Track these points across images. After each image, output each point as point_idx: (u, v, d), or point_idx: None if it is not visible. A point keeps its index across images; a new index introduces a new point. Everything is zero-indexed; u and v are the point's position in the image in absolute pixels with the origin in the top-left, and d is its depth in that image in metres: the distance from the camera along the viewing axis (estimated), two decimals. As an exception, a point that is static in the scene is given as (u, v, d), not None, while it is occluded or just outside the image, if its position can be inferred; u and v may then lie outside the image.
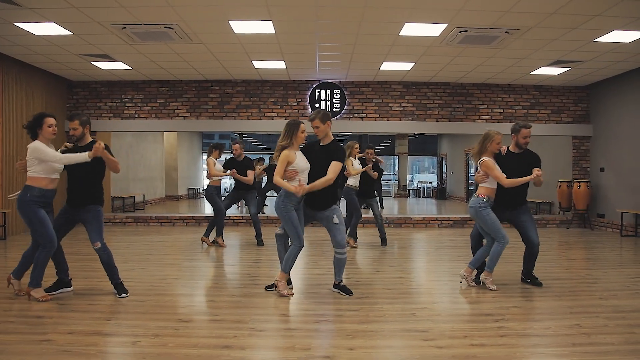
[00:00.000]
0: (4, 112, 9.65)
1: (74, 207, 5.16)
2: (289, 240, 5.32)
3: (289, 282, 5.46)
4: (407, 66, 10.66)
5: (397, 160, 25.14)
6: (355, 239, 8.64)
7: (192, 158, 23.96)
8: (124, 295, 5.16)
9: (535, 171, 5.34)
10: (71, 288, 5.35)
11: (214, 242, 8.64)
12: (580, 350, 3.74)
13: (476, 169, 5.80)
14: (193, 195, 22.54)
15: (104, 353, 3.70)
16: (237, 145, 8.50)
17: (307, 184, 5.09)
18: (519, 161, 5.63)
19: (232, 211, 13.55)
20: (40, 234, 4.87)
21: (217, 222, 8.54)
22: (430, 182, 25.86)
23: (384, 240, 8.77)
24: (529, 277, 5.84)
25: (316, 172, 5.15)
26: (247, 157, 8.64)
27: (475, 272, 5.79)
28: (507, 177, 5.41)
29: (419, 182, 26.42)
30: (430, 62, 10.32)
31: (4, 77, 9.67)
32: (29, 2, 6.90)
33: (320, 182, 5.02)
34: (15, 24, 7.77)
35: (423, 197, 24.33)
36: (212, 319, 4.60)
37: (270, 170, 12.63)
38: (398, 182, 24.42)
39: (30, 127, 4.95)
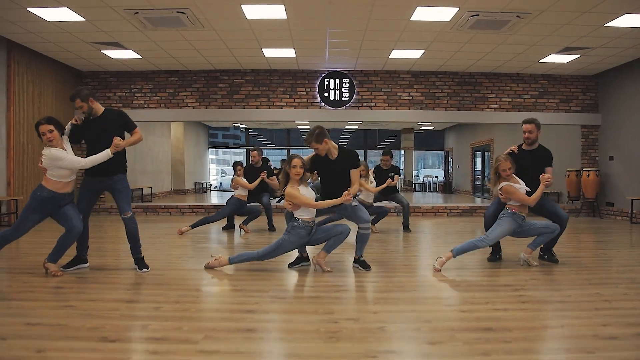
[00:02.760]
0: (16, 101, 9.66)
1: (100, 176, 5.09)
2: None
3: (306, 259, 5.48)
4: (416, 54, 10.64)
5: (402, 155, 25.09)
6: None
7: (199, 153, 23.97)
8: (144, 270, 5.14)
9: (544, 178, 5.22)
10: (87, 264, 5.34)
11: (240, 228, 8.69)
12: (603, 314, 3.72)
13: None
14: (200, 189, 22.54)
15: (127, 316, 3.69)
16: (256, 152, 8.71)
17: (325, 198, 5.15)
18: (530, 158, 5.59)
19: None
20: (19, 226, 4.86)
21: (254, 213, 8.65)
22: (436, 177, 25.81)
23: (406, 227, 8.79)
24: (547, 253, 5.80)
25: (334, 183, 5.18)
26: (264, 160, 8.70)
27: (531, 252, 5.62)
28: (519, 175, 5.36)
29: (424, 176, 26.37)
30: (440, 50, 10.30)
31: (16, 66, 9.69)
32: None
33: (353, 190, 5.04)
34: (28, 9, 7.77)
35: (429, 192, 24.29)
36: (233, 288, 4.60)
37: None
38: (404, 177, 24.36)
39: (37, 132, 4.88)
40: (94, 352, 2.92)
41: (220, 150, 30.46)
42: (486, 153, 19.62)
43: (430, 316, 3.66)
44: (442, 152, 26.50)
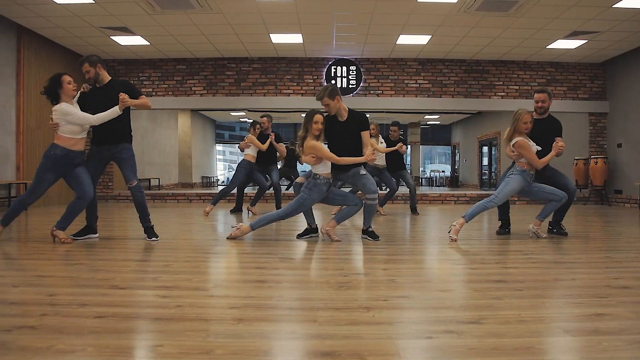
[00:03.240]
0: (25, 86, 9.72)
1: (106, 144, 5.10)
2: None
3: (314, 230, 5.46)
4: (423, 40, 10.62)
5: (409, 149, 25.01)
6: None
7: (206, 147, 24.01)
8: (154, 239, 5.12)
9: (557, 145, 5.20)
10: (97, 235, 5.33)
11: (248, 210, 8.65)
12: (615, 270, 3.70)
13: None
14: (207, 183, 22.58)
15: (137, 270, 3.70)
16: (265, 119, 8.59)
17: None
18: (540, 127, 5.50)
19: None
20: (35, 189, 4.85)
21: (259, 192, 8.69)
22: (443, 171, 25.74)
23: (414, 209, 8.71)
24: (556, 226, 5.75)
25: (343, 145, 5.10)
26: (273, 130, 8.69)
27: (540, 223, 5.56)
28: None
29: (431, 171, 26.31)
30: (447, 35, 10.27)
31: (25, 52, 9.75)
32: None
33: (368, 152, 4.99)
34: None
35: (436, 186, 24.22)
36: (242, 252, 4.58)
37: (287, 156, 12.60)
38: (410, 172, 24.31)
39: (50, 90, 4.87)
40: (104, 296, 2.92)
41: (227, 151, 30.53)
42: (493, 147, 19.54)
43: (441, 272, 3.64)
44: (449, 147, 26.43)
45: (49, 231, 5.02)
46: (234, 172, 8.64)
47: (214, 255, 4.43)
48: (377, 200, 5.27)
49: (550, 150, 5.22)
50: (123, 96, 4.90)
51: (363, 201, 5.13)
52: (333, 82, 12.05)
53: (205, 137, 23.89)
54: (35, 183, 4.85)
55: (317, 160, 4.91)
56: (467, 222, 5.23)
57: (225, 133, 27.41)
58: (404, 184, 8.82)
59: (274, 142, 8.39)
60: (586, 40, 10.43)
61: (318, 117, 4.95)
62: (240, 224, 5.25)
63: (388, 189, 8.63)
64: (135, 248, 4.77)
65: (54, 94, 4.87)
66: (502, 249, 4.87)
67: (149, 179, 15.59)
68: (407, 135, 24.19)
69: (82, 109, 5.12)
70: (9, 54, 9.44)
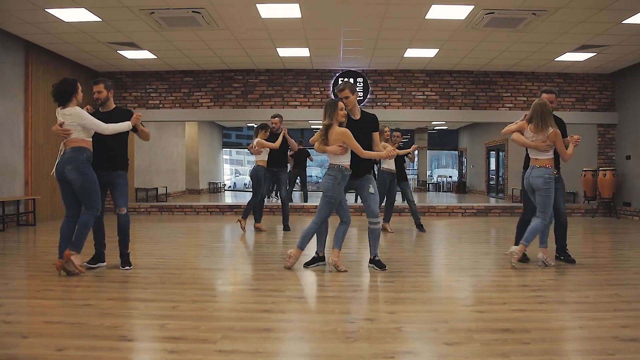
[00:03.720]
0: (33, 101, 9.77)
1: (102, 171, 5.13)
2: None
3: (322, 259, 5.47)
4: (431, 53, 10.59)
5: (416, 154, 24.97)
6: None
7: (213, 153, 24.07)
8: (127, 267, 5.18)
9: (574, 138, 5.38)
10: (105, 263, 5.38)
11: (257, 229, 8.60)
12: (623, 315, 3.68)
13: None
14: (214, 189, 22.64)
15: (145, 315, 3.72)
16: (277, 119, 8.58)
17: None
18: None
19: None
20: (91, 196, 4.87)
21: (259, 206, 8.55)
22: (450, 176, 25.68)
23: (420, 227, 8.66)
24: (562, 253, 5.75)
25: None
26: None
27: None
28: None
29: (438, 176, 26.26)
30: (455, 49, 10.24)
31: (33, 67, 9.81)
32: None
33: (373, 154, 5.09)
34: (46, 9, 7.86)
35: (443, 192, 24.17)
36: (249, 288, 4.61)
37: (297, 157, 12.65)
38: (417, 177, 24.31)
39: (64, 91, 4.88)
40: (112, 350, 2.95)
41: (233, 151, 30.57)
42: (500, 153, 19.46)
43: (447, 317, 3.64)
44: (456, 152, 26.35)
45: (57, 258, 4.95)
46: (251, 182, 8.62)
47: (221, 294, 4.43)
48: (380, 226, 5.30)
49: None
50: (138, 114, 5.12)
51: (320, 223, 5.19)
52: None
53: (212, 142, 23.95)
54: (94, 190, 4.89)
55: (343, 149, 4.91)
56: (526, 247, 5.39)
57: (232, 134, 27.48)
58: (404, 197, 8.80)
59: (287, 136, 8.43)
60: (595, 53, 10.37)
61: (342, 105, 5.03)
62: (290, 251, 5.30)
63: (387, 200, 8.58)
64: (143, 281, 4.79)
65: (66, 96, 4.88)
66: (508, 283, 4.85)
67: (156, 188, 15.65)
68: (415, 140, 24.16)
69: None
70: (17, 69, 9.48)
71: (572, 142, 5.35)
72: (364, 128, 5.20)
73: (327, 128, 4.97)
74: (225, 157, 27.32)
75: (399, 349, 3.00)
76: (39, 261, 5.86)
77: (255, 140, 8.24)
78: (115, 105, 5.36)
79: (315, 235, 5.33)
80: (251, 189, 8.57)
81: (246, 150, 29.91)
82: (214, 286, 4.71)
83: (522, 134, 5.43)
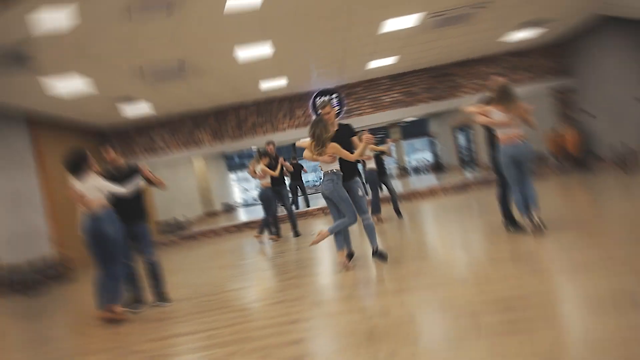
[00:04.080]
0: (47, 168, 9.47)
1: (125, 223, 5.02)
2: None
3: (351, 256, 5.49)
4: (392, 60, 10.55)
5: (393, 147, 24.96)
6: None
7: (221, 176, 24.00)
8: (166, 304, 5.10)
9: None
10: (142, 303, 5.25)
11: (274, 240, 8.65)
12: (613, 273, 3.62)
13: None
14: (228, 209, 22.53)
15: (187, 350, 3.65)
16: (271, 146, 8.71)
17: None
18: None
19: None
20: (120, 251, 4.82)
21: (274, 222, 8.68)
22: (427, 160, 25.65)
23: (399, 213, 8.67)
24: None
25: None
26: (277, 154, 8.78)
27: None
28: None
29: (416, 160, 26.22)
30: (412, 52, 10.19)
31: (42, 139, 9.52)
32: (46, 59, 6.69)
33: (358, 152, 5.08)
34: (37, 77, 7.37)
35: (423, 174, 24.13)
36: (275, 301, 4.51)
37: (293, 171, 12.58)
38: (398, 164, 24.31)
39: (79, 164, 4.78)
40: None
41: (239, 171, 30.47)
42: (468, 131, 19.42)
43: (453, 301, 3.56)
44: (428, 138, 26.30)
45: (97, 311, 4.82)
46: (261, 202, 8.64)
47: (253, 312, 4.35)
48: (371, 219, 5.27)
49: None
50: (148, 169, 5.07)
51: (355, 219, 5.12)
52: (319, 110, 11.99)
53: (219, 167, 23.84)
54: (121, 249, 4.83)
55: (333, 158, 5.00)
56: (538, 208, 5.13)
57: (235, 156, 27.38)
58: (387, 189, 8.77)
59: (285, 164, 8.68)
60: (543, 29, 10.23)
61: (326, 118, 5.18)
62: (319, 230, 5.25)
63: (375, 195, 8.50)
64: (179, 315, 4.66)
65: (82, 168, 4.77)
66: (502, 256, 4.79)
67: (174, 217, 15.51)
68: (389, 134, 24.13)
69: None
70: (23, 139, 9.13)
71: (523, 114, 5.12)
72: (344, 137, 5.26)
73: (324, 140, 4.96)
74: (232, 176, 27.18)
75: (412, 345, 2.94)
76: (85, 316, 5.75)
77: (259, 167, 8.32)
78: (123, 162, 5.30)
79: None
80: (261, 205, 8.67)
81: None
82: (244, 305, 4.63)
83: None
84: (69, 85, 8.01)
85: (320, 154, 5.01)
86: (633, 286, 3.13)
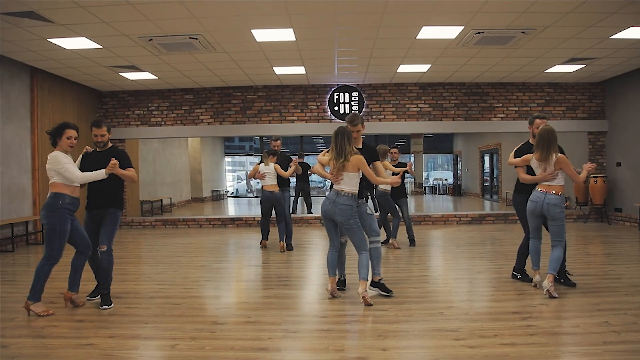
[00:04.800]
0: (39, 125, 9.77)
1: (95, 209, 5.05)
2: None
3: (343, 283, 5.51)
4: (423, 68, 10.55)
5: (412, 158, 24.96)
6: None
7: (215, 162, 24.06)
8: (105, 307, 4.93)
9: (588, 166, 5.21)
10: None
11: (282, 248, 8.41)
12: (612, 349, 3.63)
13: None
14: (217, 197, 22.63)
15: (145, 357, 3.69)
16: (279, 142, 8.67)
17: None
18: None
19: (250, 213, 13.51)
20: (50, 244, 4.69)
21: (281, 228, 8.42)
22: (446, 179, 25.63)
23: (412, 241, 8.67)
24: (562, 276, 5.65)
25: None
26: (282, 152, 8.76)
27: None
28: (527, 168, 5.41)
29: (434, 179, 26.20)
30: (446, 64, 10.20)
31: (38, 91, 9.80)
32: (61, 19, 6.97)
33: (384, 181, 5.25)
34: (48, 39, 7.87)
35: (439, 194, 24.13)
36: (247, 320, 4.55)
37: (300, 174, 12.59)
38: (414, 180, 24.27)
39: (52, 134, 4.85)
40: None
41: (235, 154, 30.54)
42: (494, 156, 19.42)
43: (439, 354, 3.60)
44: (451, 155, 26.29)
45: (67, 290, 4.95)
46: (261, 205, 8.60)
47: (219, 329, 4.37)
48: (380, 244, 5.28)
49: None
50: (114, 162, 4.85)
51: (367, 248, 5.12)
52: (336, 108, 12.02)
53: (215, 151, 23.93)
54: (59, 240, 4.70)
55: (338, 177, 4.93)
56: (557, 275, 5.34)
57: (235, 137, 27.37)
58: (401, 214, 8.71)
59: (297, 166, 8.56)
60: (584, 65, 10.32)
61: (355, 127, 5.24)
62: (364, 293, 4.93)
63: (393, 218, 8.56)
64: (144, 314, 4.75)
65: (53, 139, 4.86)
66: (499, 310, 4.79)
67: (161, 200, 15.64)
68: (410, 145, 24.14)
69: (81, 169, 5.07)
70: (23, 95, 9.49)
71: (585, 169, 5.18)
72: (365, 157, 5.14)
73: (346, 155, 4.93)
74: (227, 160, 27.21)
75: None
76: (46, 289, 5.81)
77: (269, 166, 8.20)
78: (111, 145, 5.24)
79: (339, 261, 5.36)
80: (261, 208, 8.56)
81: (248, 152, 29.88)
82: (212, 319, 4.65)
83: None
84: (76, 47, 8.38)
85: (340, 170, 4.93)
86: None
